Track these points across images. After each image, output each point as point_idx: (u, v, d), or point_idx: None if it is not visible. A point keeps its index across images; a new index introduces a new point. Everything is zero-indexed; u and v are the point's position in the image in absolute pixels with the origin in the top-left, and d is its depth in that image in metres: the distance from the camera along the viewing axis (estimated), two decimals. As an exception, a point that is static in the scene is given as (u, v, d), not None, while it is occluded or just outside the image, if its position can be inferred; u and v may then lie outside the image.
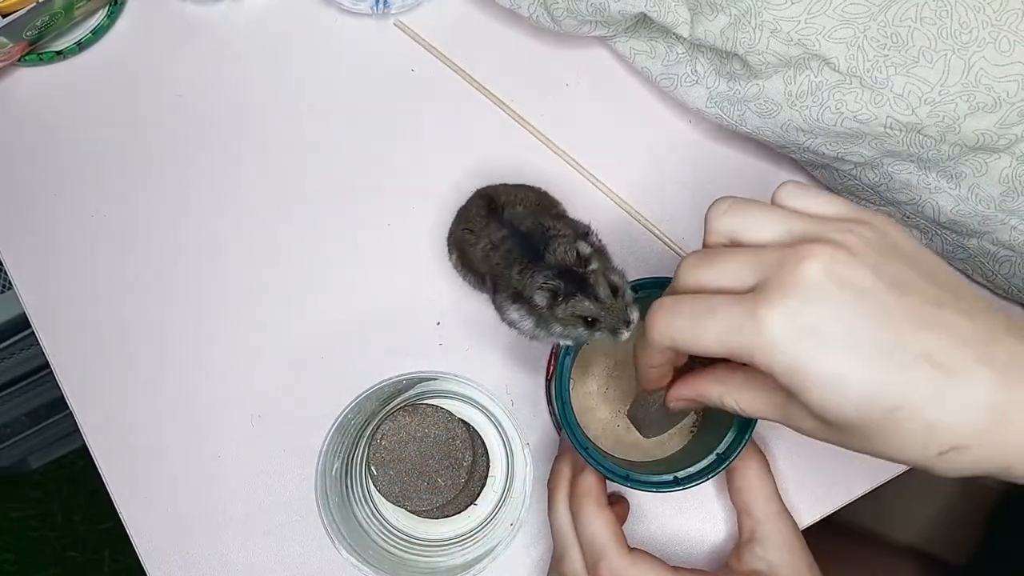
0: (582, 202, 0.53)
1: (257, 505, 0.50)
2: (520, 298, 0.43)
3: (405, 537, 0.47)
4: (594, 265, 0.42)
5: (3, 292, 0.83)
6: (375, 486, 0.46)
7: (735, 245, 0.35)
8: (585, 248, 0.42)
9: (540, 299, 0.41)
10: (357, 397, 0.41)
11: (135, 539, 0.50)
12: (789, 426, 0.36)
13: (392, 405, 0.47)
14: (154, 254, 0.53)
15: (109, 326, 0.52)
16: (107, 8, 0.54)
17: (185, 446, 0.51)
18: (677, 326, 0.34)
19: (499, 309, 0.45)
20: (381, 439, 0.46)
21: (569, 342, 0.43)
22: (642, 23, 0.51)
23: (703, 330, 0.33)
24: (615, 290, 0.42)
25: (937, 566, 0.70)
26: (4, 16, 0.49)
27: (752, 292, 0.33)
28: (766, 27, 0.44)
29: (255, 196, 0.54)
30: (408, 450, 0.46)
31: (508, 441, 0.47)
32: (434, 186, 0.53)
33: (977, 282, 0.52)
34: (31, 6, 0.49)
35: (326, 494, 0.41)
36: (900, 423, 0.32)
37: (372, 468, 0.46)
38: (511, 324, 0.44)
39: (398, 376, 0.41)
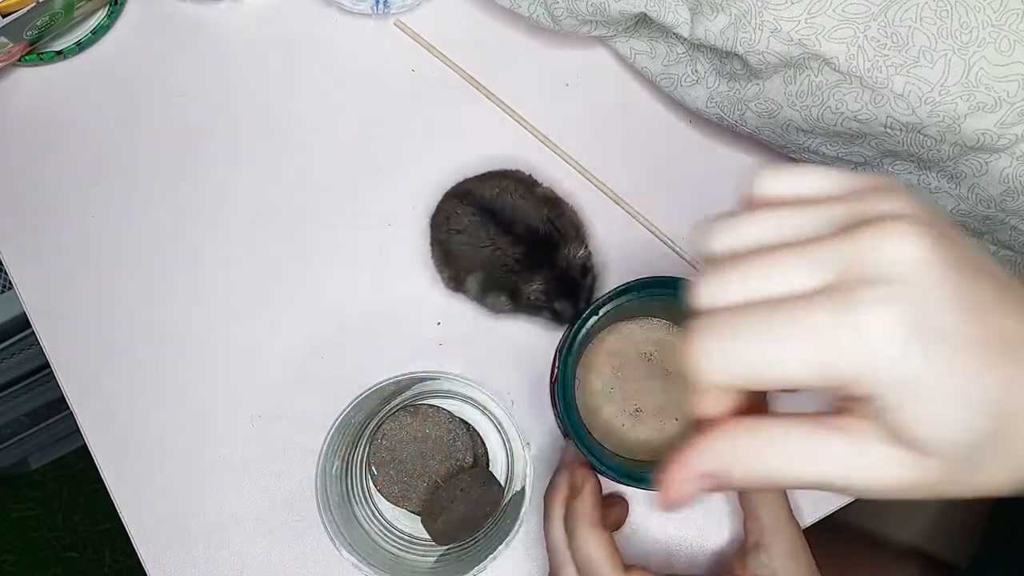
0: (582, 202, 0.53)
1: (257, 505, 0.50)
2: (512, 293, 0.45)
3: (405, 537, 0.47)
4: (589, 277, 0.46)
5: (3, 292, 0.83)
6: (375, 486, 0.46)
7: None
8: (589, 259, 0.46)
9: (533, 297, 0.45)
10: (358, 396, 0.41)
11: (135, 539, 0.50)
12: (848, 490, 0.27)
13: (393, 405, 0.47)
14: (154, 254, 0.53)
15: (109, 326, 0.52)
16: (107, 8, 0.54)
17: (185, 446, 0.51)
18: (744, 354, 0.25)
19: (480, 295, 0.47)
20: (382, 439, 0.46)
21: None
22: (642, 23, 0.51)
23: (785, 353, 0.24)
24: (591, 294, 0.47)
25: (937, 566, 0.70)
26: (4, 16, 0.49)
27: (825, 294, 0.24)
28: (766, 27, 0.44)
29: (255, 196, 0.54)
30: (408, 450, 0.46)
31: (508, 442, 0.47)
32: (434, 186, 0.53)
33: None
34: (31, 6, 0.49)
35: (326, 493, 0.41)
36: (1010, 436, 0.26)
37: (373, 468, 0.46)
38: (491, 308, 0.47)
39: (399, 376, 0.41)
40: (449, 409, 0.47)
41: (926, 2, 0.43)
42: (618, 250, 0.53)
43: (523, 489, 0.42)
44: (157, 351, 0.52)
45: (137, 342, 0.52)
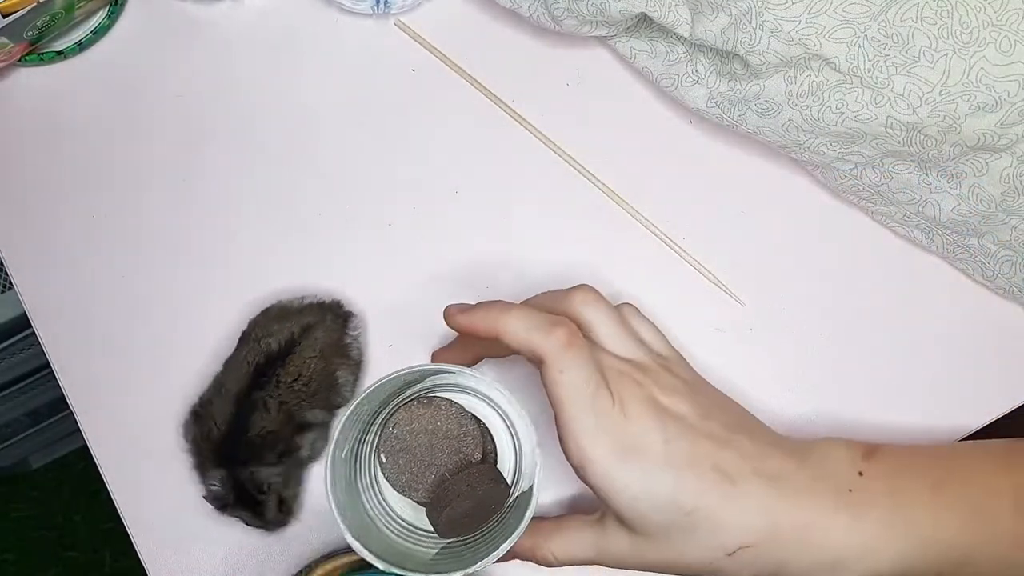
0: (582, 202, 0.53)
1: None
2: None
3: (409, 527, 0.47)
4: (271, 491, 0.46)
5: (3, 292, 0.83)
6: (383, 473, 0.46)
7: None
8: (272, 478, 0.45)
9: (208, 496, 0.46)
10: (371, 385, 0.41)
11: (135, 539, 0.50)
12: (602, 561, 0.41)
13: (406, 395, 0.47)
14: (155, 254, 0.53)
15: (109, 326, 0.52)
16: (107, 8, 0.54)
17: (185, 446, 0.51)
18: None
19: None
20: (393, 427, 0.46)
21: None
22: (643, 23, 0.51)
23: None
24: (281, 503, 0.46)
25: None
26: (4, 16, 0.49)
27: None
28: (767, 27, 0.44)
29: (255, 195, 0.54)
30: (419, 441, 0.46)
31: (518, 440, 0.47)
32: (434, 186, 0.54)
33: (978, 282, 0.52)
34: (32, 6, 0.49)
35: (334, 478, 0.41)
36: (696, 524, 0.37)
37: (382, 455, 0.46)
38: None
39: (414, 367, 0.41)
40: (463, 404, 0.47)
41: (926, 2, 0.43)
42: (617, 250, 0.53)
43: (531, 488, 0.42)
44: (158, 351, 0.52)
45: (138, 342, 0.52)
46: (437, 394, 0.47)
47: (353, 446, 0.44)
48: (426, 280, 0.53)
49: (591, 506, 0.43)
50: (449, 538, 0.45)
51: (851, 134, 0.46)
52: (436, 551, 0.45)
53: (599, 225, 0.53)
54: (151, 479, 0.51)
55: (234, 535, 0.50)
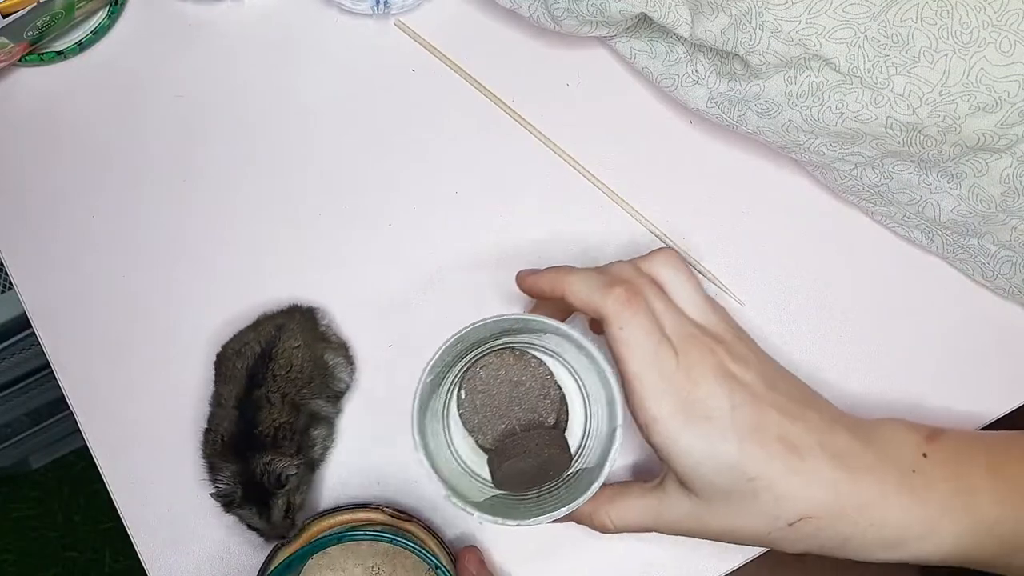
0: (582, 202, 0.53)
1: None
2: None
3: (462, 467, 0.47)
4: (286, 487, 0.45)
5: (3, 292, 0.83)
6: (458, 409, 0.47)
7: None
8: (289, 470, 0.45)
9: (216, 495, 0.45)
10: (478, 321, 0.41)
11: (135, 539, 0.50)
12: (659, 527, 0.42)
13: (498, 344, 0.47)
14: (155, 254, 0.53)
15: (109, 326, 0.52)
16: (107, 8, 0.54)
17: (186, 446, 0.51)
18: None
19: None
20: (481, 369, 0.47)
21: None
22: (643, 23, 0.51)
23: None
24: (289, 508, 0.46)
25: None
26: (5, 16, 0.49)
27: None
28: (767, 27, 0.44)
29: (255, 195, 0.54)
30: (501, 389, 0.47)
31: (593, 420, 0.47)
32: (435, 186, 0.54)
33: (978, 282, 0.52)
34: (32, 6, 0.49)
35: (421, 401, 0.42)
36: (758, 492, 0.38)
37: (462, 391, 0.46)
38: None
39: (520, 314, 0.42)
40: (550, 368, 0.47)
41: (926, 2, 0.43)
42: (617, 250, 0.53)
43: (600, 466, 0.42)
44: (157, 350, 0.52)
45: (137, 341, 0.52)
46: (531, 351, 0.47)
47: (439, 376, 0.44)
48: (426, 280, 0.53)
49: (649, 477, 0.44)
50: (501, 490, 0.45)
51: (851, 134, 0.46)
52: (482, 500, 0.45)
53: (599, 225, 0.53)
54: (151, 479, 0.51)
55: (234, 536, 0.50)
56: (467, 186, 0.54)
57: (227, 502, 0.45)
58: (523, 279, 0.44)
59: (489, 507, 0.43)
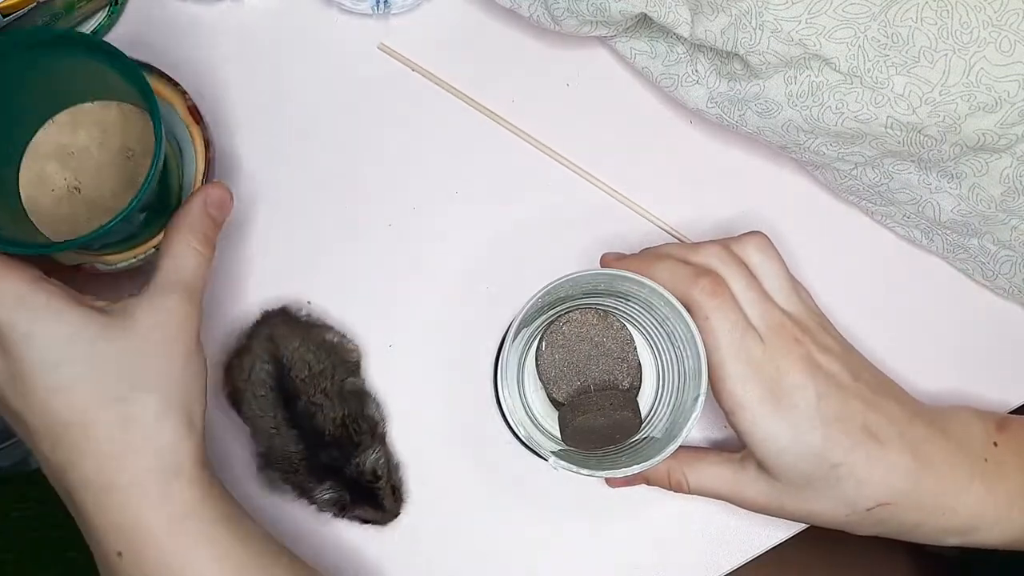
0: (582, 202, 0.53)
1: (258, 505, 0.50)
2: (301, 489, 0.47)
3: (533, 417, 0.48)
4: (382, 477, 0.46)
5: (3, 292, 0.83)
6: (536, 359, 0.47)
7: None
8: (378, 461, 0.46)
9: (324, 506, 0.46)
10: (571, 274, 0.42)
11: (135, 539, 0.50)
12: (733, 499, 0.44)
13: (584, 303, 0.47)
14: (154, 254, 0.53)
15: (109, 326, 0.52)
16: (107, 8, 0.54)
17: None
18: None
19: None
20: (564, 324, 0.47)
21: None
22: (643, 23, 0.51)
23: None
24: (394, 490, 0.47)
25: (927, 556, 0.70)
26: (4, 16, 0.49)
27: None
28: (767, 27, 0.44)
29: (255, 195, 0.54)
30: (581, 346, 0.47)
31: (666, 387, 0.47)
32: (435, 186, 0.54)
33: (978, 282, 0.52)
34: (32, 6, 0.49)
35: (512, 343, 0.43)
36: (840, 478, 0.40)
37: (543, 343, 0.47)
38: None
39: (617, 271, 0.42)
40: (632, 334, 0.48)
41: (926, 2, 0.43)
42: (619, 249, 0.53)
43: (669, 436, 0.42)
44: (157, 351, 0.52)
45: (137, 342, 0.52)
46: (615, 314, 0.48)
47: (523, 323, 0.44)
48: (426, 280, 0.53)
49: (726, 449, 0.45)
50: (568, 445, 0.46)
51: (851, 134, 0.46)
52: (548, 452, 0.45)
53: (599, 224, 0.53)
54: (151, 479, 0.51)
55: (234, 535, 0.50)
56: (467, 186, 0.54)
57: (340, 508, 0.46)
58: (609, 263, 0.45)
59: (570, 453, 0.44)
